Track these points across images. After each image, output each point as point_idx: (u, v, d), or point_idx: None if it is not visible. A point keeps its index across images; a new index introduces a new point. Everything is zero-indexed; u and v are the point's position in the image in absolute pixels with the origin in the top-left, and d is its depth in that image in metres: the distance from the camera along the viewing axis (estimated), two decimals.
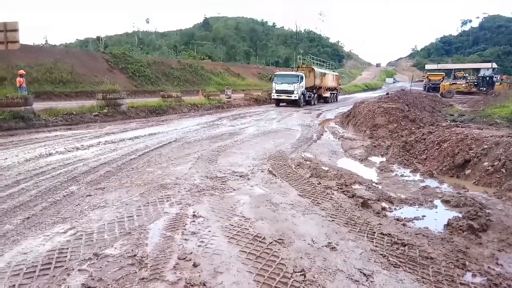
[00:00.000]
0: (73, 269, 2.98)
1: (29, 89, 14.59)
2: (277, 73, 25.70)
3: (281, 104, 24.02)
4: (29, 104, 11.20)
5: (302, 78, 23.25)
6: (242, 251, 3.37)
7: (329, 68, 33.57)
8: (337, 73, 34.64)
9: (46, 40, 42.77)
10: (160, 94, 19.01)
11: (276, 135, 11.00)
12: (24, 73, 14.54)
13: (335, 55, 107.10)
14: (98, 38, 42.08)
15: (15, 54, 18.58)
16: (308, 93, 24.76)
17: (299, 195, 5.17)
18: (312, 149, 8.93)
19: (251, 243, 3.53)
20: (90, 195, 4.87)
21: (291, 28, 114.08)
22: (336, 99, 31.63)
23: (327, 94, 28.76)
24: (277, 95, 23.30)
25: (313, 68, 25.91)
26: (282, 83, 22.99)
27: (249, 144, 9.16)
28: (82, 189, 5.12)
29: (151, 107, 16.22)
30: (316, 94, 26.50)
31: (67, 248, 3.33)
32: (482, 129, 8.28)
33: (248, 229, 3.87)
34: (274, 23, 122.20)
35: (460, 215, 4.39)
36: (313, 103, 25.64)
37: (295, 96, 22.59)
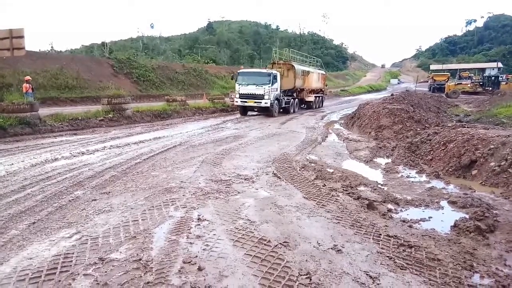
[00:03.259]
0: (78, 274, 2.99)
1: (35, 95, 14.73)
2: (241, 71, 19.19)
3: (249, 113, 18.79)
4: (35, 110, 11.30)
5: (275, 77, 17.64)
6: (247, 254, 3.36)
7: (313, 65, 27.06)
8: (323, 71, 28.62)
9: (52, 47, 43.11)
10: (165, 98, 19.07)
11: (280, 137, 10.98)
12: (30, 79, 14.72)
13: (339, 57, 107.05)
14: (103, 44, 42.31)
15: (21, 60, 18.84)
16: (286, 97, 19.45)
17: (304, 197, 5.15)
18: (317, 151, 8.91)
19: (256, 246, 3.52)
20: (95, 200, 4.89)
21: (294, 30, 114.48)
22: (322, 104, 25.96)
23: (311, 98, 23.13)
24: (241, 101, 17.69)
25: (292, 65, 20.02)
26: (248, 85, 17.32)
27: (253, 147, 9.16)
28: (87, 194, 5.15)
29: (156, 111, 16.29)
30: (296, 99, 21.20)
31: (73, 253, 3.35)
32: (488, 129, 8.20)
33: (253, 232, 3.86)
34: (277, 26, 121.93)
35: (467, 216, 4.35)
36: (292, 110, 20.20)
37: (265, 102, 16.99)
